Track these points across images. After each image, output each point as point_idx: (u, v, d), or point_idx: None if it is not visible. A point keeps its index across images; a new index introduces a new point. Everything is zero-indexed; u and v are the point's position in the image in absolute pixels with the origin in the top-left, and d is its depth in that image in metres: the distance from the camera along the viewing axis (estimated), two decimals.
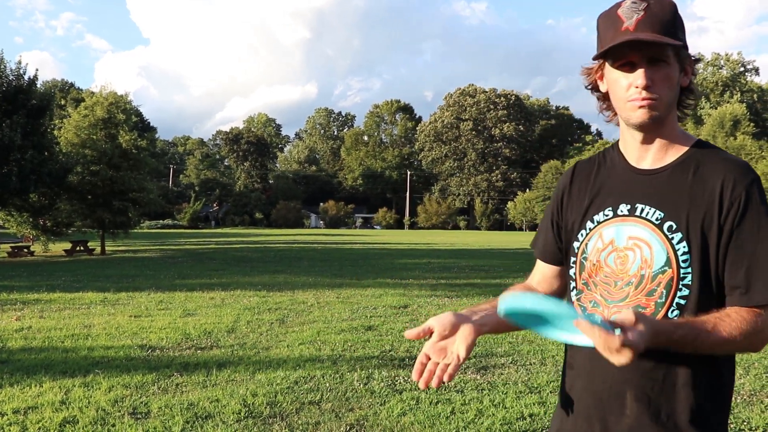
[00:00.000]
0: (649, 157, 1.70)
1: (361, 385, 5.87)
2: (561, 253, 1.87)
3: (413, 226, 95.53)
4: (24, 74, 23.20)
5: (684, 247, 1.59)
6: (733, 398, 5.49)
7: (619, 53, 1.60)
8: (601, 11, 1.68)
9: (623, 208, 1.69)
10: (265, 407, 5.21)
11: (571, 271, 1.80)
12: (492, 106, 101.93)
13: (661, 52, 1.57)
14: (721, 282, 1.59)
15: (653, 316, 1.58)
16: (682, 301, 1.59)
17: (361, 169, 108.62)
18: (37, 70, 24.20)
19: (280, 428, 4.75)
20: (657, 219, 1.63)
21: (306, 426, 4.80)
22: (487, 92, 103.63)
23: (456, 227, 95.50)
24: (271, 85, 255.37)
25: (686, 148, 1.68)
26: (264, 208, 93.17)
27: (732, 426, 4.88)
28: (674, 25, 1.58)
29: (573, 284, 1.79)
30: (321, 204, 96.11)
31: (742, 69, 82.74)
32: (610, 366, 1.49)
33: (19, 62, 23.13)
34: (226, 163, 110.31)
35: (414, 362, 5.53)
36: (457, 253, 28.86)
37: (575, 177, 1.87)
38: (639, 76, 1.58)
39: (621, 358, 1.33)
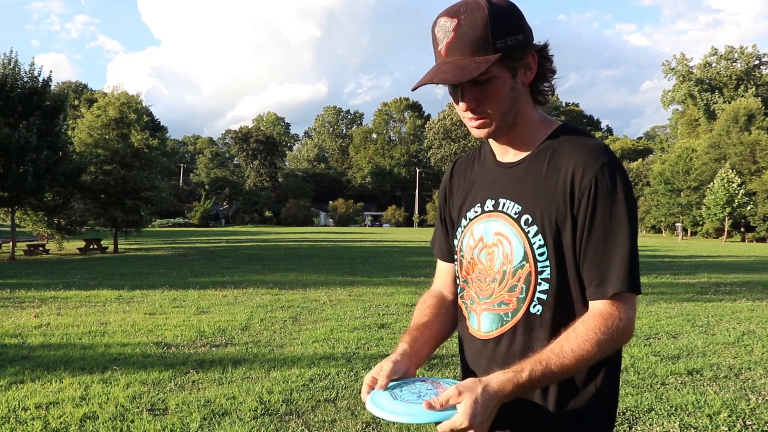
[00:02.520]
0: (510, 150, 1.70)
1: None
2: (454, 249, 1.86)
3: (422, 223, 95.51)
4: (38, 76, 23.45)
5: (539, 240, 1.59)
6: (753, 399, 5.46)
7: None
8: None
9: (489, 204, 1.71)
10: (281, 405, 5.28)
11: (456, 269, 1.83)
12: None
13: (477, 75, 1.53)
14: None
15: (515, 313, 1.62)
16: (543, 296, 1.59)
17: (370, 167, 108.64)
18: (51, 71, 24.49)
19: (296, 426, 4.81)
20: (515, 213, 1.63)
21: (322, 423, 4.87)
22: None
23: None
24: (281, 84, 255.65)
25: (545, 137, 1.66)
26: (273, 207, 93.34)
27: (754, 427, 4.89)
28: (487, 39, 1.51)
29: (458, 281, 1.82)
30: (330, 202, 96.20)
31: (757, 62, 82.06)
32: (478, 358, 1.71)
33: (32, 64, 23.38)
34: (235, 162, 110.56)
35: (428, 361, 5.51)
36: None
37: (454, 173, 1.89)
38: (462, 102, 1.59)
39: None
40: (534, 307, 1.59)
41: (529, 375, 1.46)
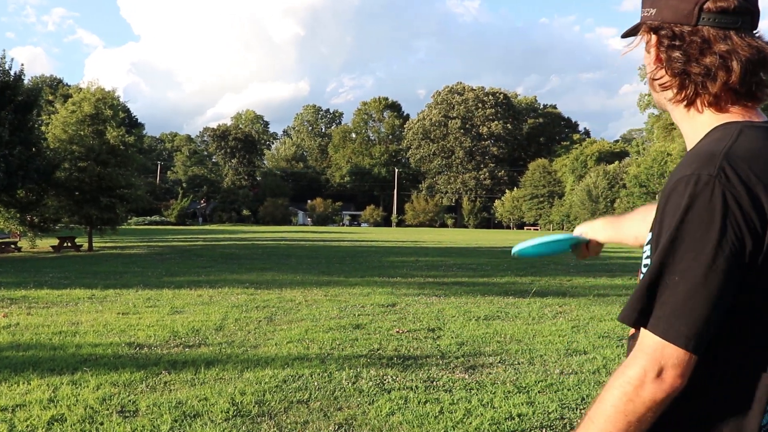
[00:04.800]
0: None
1: (350, 384, 5.90)
2: None
3: (401, 223, 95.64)
4: (10, 69, 23.07)
5: (648, 251, 1.37)
6: None
7: None
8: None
9: None
10: (254, 406, 5.23)
11: None
12: (480, 105, 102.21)
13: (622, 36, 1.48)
14: None
15: None
16: None
17: (349, 166, 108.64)
18: (22, 65, 24.07)
19: (268, 427, 4.76)
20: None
21: (294, 425, 4.82)
22: (475, 90, 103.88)
23: (443, 225, 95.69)
24: (263, 82, 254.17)
25: (700, 138, 1.36)
26: (251, 205, 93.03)
27: None
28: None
29: None
30: (308, 201, 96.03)
31: None
32: None
33: (3, 57, 22.97)
34: (213, 160, 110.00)
35: (402, 361, 5.58)
36: (445, 252, 28.91)
37: None
38: None
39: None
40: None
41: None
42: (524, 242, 1.88)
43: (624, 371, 1.24)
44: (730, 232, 1.19)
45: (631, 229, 1.81)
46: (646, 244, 1.37)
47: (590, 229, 1.90)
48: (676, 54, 1.33)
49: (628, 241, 1.81)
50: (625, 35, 1.46)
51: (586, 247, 1.89)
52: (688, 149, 1.36)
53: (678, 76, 1.35)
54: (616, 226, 1.86)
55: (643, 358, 1.22)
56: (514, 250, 1.93)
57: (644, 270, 1.36)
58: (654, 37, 1.38)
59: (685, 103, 1.37)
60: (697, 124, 1.37)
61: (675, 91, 1.37)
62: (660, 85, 1.40)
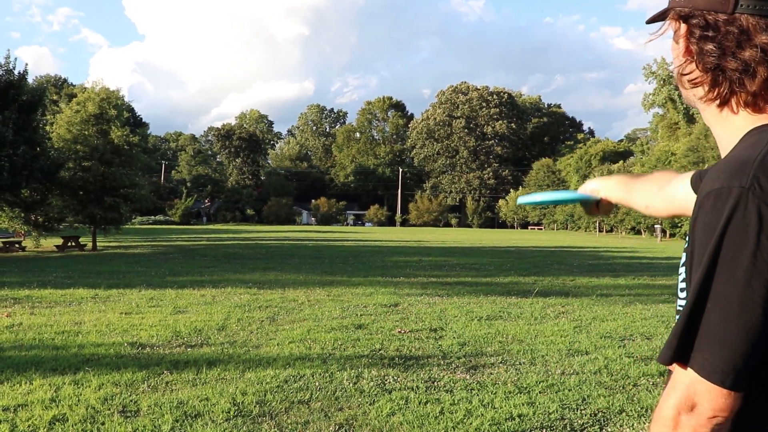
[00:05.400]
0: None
1: (351, 385, 5.90)
2: None
3: (405, 223, 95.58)
4: (14, 69, 23.13)
5: (684, 272, 1.23)
6: None
7: None
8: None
9: None
10: (255, 406, 5.24)
11: None
12: (484, 104, 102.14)
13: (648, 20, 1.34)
14: None
15: None
16: None
17: (353, 166, 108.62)
18: (26, 64, 24.17)
19: (269, 427, 4.77)
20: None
21: (295, 425, 4.83)
22: (479, 90, 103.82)
23: (447, 225, 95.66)
24: (268, 82, 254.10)
25: (735, 143, 1.22)
26: (255, 205, 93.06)
27: None
28: None
29: None
30: (313, 201, 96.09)
31: None
32: None
33: (8, 57, 23.04)
34: (218, 160, 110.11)
35: (404, 362, 5.61)
36: (449, 251, 28.89)
37: None
38: None
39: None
40: None
41: None
42: (531, 195, 1.88)
43: (658, 413, 1.14)
44: (767, 251, 1.04)
45: (642, 198, 1.70)
46: (681, 266, 1.25)
47: (603, 187, 1.79)
48: (710, 46, 1.18)
49: (639, 209, 1.72)
50: (651, 20, 1.33)
51: (596, 206, 1.82)
52: (722, 156, 1.23)
53: (711, 72, 1.20)
54: (629, 188, 1.73)
55: (674, 396, 1.11)
56: (519, 200, 1.93)
57: (681, 294, 1.25)
58: (684, 27, 1.24)
59: (718, 102, 1.22)
60: (731, 127, 1.23)
61: (707, 88, 1.22)
62: (689, 81, 1.25)
